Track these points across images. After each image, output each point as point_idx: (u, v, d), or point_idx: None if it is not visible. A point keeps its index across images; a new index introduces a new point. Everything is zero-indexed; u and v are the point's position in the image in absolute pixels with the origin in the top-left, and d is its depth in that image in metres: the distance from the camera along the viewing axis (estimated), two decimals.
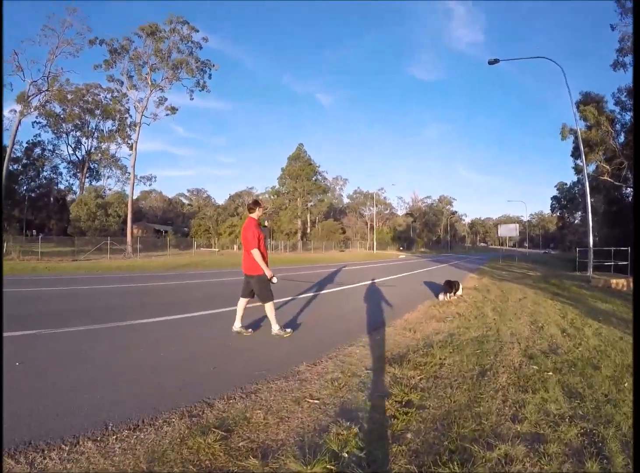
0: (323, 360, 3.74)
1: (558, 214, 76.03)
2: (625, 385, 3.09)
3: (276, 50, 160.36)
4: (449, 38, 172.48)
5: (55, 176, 47.80)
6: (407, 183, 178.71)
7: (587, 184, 15.89)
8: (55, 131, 44.27)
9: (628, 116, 27.29)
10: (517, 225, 33.35)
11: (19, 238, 30.25)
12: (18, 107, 29.29)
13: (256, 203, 4.64)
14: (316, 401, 2.78)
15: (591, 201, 15.93)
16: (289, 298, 7.57)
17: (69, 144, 46.24)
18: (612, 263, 15.90)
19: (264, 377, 3.26)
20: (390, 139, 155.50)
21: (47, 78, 30.05)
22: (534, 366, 3.47)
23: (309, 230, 62.07)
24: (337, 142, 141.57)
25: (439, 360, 3.64)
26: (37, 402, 2.62)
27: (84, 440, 2.15)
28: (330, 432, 2.30)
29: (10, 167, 39.67)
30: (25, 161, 43.65)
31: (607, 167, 27.31)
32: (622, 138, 27.84)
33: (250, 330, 4.78)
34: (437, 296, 8.26)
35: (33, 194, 45.98)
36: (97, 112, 42.67)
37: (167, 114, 33.74)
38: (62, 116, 40.81)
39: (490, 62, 16.85)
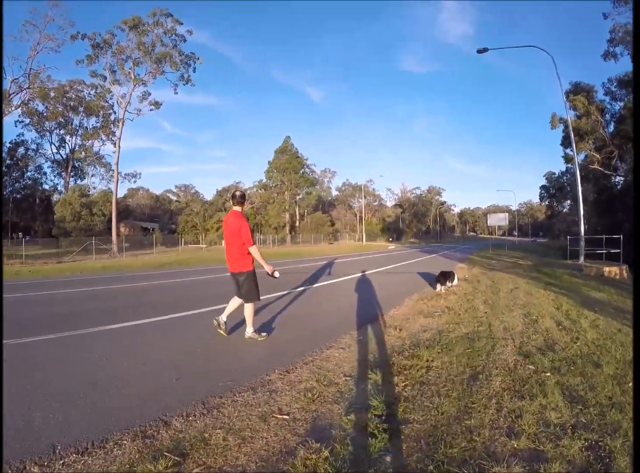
0: (298, 366, 3.39)
1: (547, 203, 76.78)
2: (630, 385, 2.79)
3: (264, 44, 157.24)
4: (439, 31, 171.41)
5: (39, 176, 46.44)
6: (396, 175, 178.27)
7: (577, 172, 15.70)
8: (39, 130, 42.96)
9: (618, 106, 27.37)
10: (507, 214, 33.30)
11: (3, 242, 29.37)
12: None
13: (244, 196, 4.32)
14: (285, 416, 2.44)
15: (581, 190, 15.72)
16: (271, 295, 7.19)
17: (52, 142, 44.97)
18: (604, 251, 15.75)
19: (230, 389, 2.92)
20: (379, 131, 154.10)
21: (29, 75, 28.99)
22: (530, 366, 3.15)
23: (297, 223, 61.38)
24: (326, 135, 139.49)
25: (426, 362, 3.30)
26: None
27: (30, 465, 1.97)
28: (297, 455, 1.96)
29: None
30: (9, 162, 42.32)
31: (597, 156, 27.27)
32: (611, 127, 27.87)
33: (225, 331, 4.39)
34: (432, 287, 8.10)
35: (18, 196, 44.72)
36: (81, 109, 41.53)
37: (151, 109, 32.93)
38: (45, 114, 39.65)
39: (479, 51, 16.52)
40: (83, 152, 43.85)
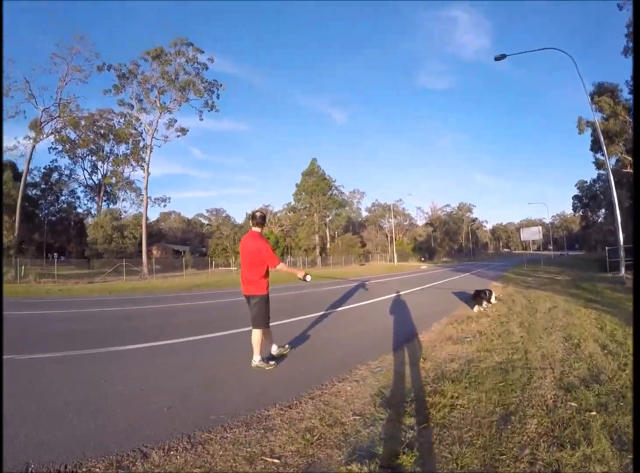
0: (303, 400, 3.04)
1: (581, 213, 72.91)
2: None
3: (287, 69, 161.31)
4: (456, 46, 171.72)
5: (73, 200, 48.87)
6: (425, 193, 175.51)
7: (611, 177, 14.69)
8: (72, 156, 45.50)
9: None
10: (540, 228, 31.51)
11: (37, 261, 30.77)
12: (32, 134, 30.02)
13: (264, 217, 4.19)
14: (276, 460, 2.12)
15: (616, 196, 14.63)
16: (290, 319, 6.84)
17: (84, 168, 47.47)
18: None
19: (222, 423, 2.64)
20: (405, 150, 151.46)
21: (59, 105, 30.83)
22: (572, 404, 2.65)
23: (328, 245, 60.98)
24: (352, 157, 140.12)
25: (450, 399, 2.84)
26: None
27: None
28: None
29: (29, 193, 40.97)
30: (44, 186, 44.84)
31: (629, 158, 25.68)
32: None
33: (287, 345, 4.46)
34: (470, 306, 7.88)
35: (53, 219, 47.13)
36: (110, 136, 43.71)
37: (177, 136, 34.17)
38: (76, 141, 41.95)
39: (497, 58, 16.11)
40: (114, 178, 45.73)
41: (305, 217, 58.50)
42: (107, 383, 3.56)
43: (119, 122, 40.89)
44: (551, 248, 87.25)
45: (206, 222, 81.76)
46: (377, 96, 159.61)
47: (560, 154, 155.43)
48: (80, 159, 46.50)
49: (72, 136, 40.69)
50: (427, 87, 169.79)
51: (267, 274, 3.99)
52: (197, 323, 7.12)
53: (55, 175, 45.58)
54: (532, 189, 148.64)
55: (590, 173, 73.78)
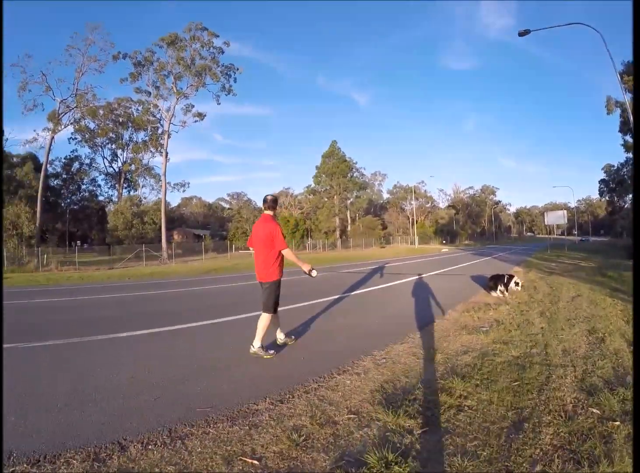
0: (296, 394, 2.84)
1: (607, 198, 69.53)
2: None
3: (308, 53, 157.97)
4: (480, 25, 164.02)
5: (94, 188, 50.01)
6: (447, 175, 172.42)
7: None
8: (91, 145, 46.39)
9: None
10: (565, 212, 30.13)
11: (59, 250, 31.74)
12: (51, 125, 30.60)
13: (276, 200, 4.21)
14: (255, 462, 1.94)
15: None
16: (301, 303, 6.68)
17: (104, 157, 48.41)
18: None
19: (206, 416, 2.50)
20: (428, 132, 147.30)
21: (76, 95, 31.22)
22: (594, 410, 2.33)
23: (348, 227, 60.46)
24: (374, 139, 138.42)
25: (457, 399, 2.57)
26: None
27: None
28: None
29: (51, 183, 42.09)
30: (65, 176, 45.98)
31: None
32: None
33: (293, 337, 4.42)
34: (488, 291, 7.73)
35: (75, 207, 48.42)
36: (129, 124, 44.21)
37: (195, 121, 34.28)
38: (95, 130, 42.62)
39: (521, 34, 14.95)
40: (133, 165, 46.53)
41: (326, 199, 58.10)
42: (101, 371, 3.50)
43: (137, 109, 41.28)
44: (575, 233, 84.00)
45: (227, 206, 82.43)
46: (399, 78, 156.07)
47: (587, 136, 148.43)
48: (100, 148, 47.43)
49: (91, 125, 41.41)
50: (450, 67, 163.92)
51: (280, 259, 3.96)
52: (207, 307, 7.09)
53: (76, 165, 46.66)
54: (557, 172, 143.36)
55: (618, 157, 70.04)
